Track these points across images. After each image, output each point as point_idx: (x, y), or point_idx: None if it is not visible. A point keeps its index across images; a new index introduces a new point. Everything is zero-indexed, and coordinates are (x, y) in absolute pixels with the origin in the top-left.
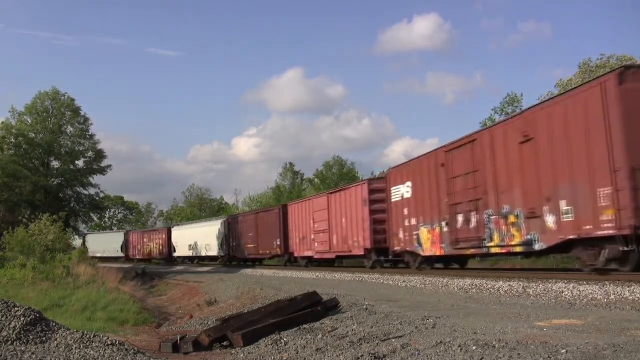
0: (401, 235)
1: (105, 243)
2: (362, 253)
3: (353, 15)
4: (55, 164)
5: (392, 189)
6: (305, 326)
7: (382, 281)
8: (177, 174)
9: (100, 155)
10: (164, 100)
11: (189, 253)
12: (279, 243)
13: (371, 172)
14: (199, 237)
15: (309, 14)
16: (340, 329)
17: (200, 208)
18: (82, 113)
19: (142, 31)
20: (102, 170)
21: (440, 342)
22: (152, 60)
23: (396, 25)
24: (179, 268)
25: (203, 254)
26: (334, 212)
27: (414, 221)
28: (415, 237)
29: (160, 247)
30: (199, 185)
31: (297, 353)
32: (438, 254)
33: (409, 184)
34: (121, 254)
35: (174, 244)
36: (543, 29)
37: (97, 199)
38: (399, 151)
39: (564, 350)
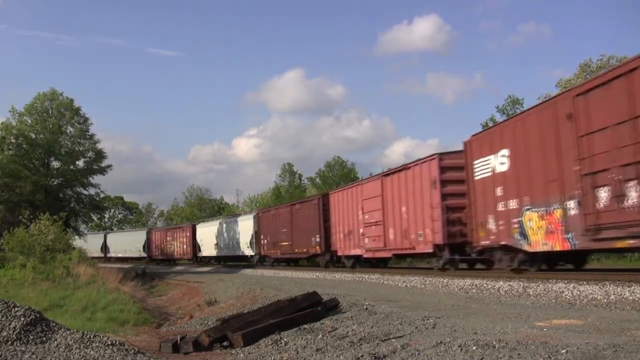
0: (491, 224)
1: (126, 242)
2: (430, 250)
3: (353, 16)
4: (55, 164)
5: (476, 162)
6: (305, 326)
7: (382, 281)
8: (178, 174)
9: (100, 155)
10: (164, 100)
11: (215, 252)
12: (318, 240)
13: (369, 173)
14: (227, 234)
15: (309, 15)
16: (340, 329)
17: (200, 208)
18: (82, 113)
19: (142, 31)
20: (102, 171)
21: (440, 342)
22: (153, 60)
23: (396, 26)
24: (178, 268)
25: (231, 254)
26: (390, 198)
27: (513, 204)
28: (515, 225)
29: (184, 246)
30: (199, 186)
31: (297, 353)
32: (558, 248)
33: (505, 152)
34: (144, 254)
35: (199, 243)
36: (542, 30)
37: (97, 199)
38: (399, 151)
39: (564, 350)
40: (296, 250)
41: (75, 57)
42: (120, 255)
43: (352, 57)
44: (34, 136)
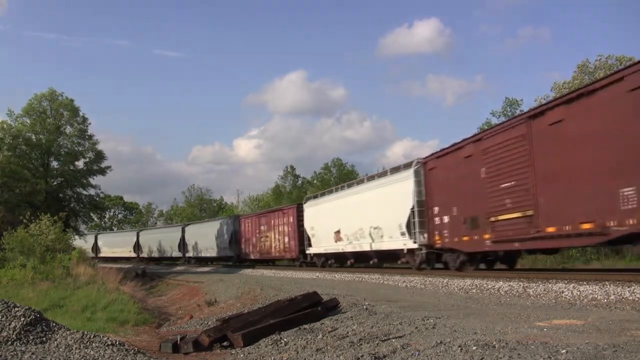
0: None
1: (203, 235)
2: None
3: (355, 20)
4: (55, 164)
5: None
6: (305, 326)
7: (382, 281)
8: (179, 174)
9: (100, 155)
10: (166, 101)
11: (337, 247)
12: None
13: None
14: (360, 215)
15: (311, 18)
16: (340, 329)
17: (201, 208)
18: (81, 113)
19: (145, 32)
20: (102, 171)
21: (440, 342)
22: (155, 61)
23: (397, 30)
24: (179, 268)
25: (373, 248)
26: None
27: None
28: None
29: (286, 240)
30: (199, 186)
31: (297, 353)
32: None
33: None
34: (229, 253)
35: (308, 233)
36: (542, 33)
37: (97, 199)
38: (399, 152)
39: (564, 351)
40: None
41: (78, 58)
42: (154, 255)
43: (353, 60)
44: (32, 137)
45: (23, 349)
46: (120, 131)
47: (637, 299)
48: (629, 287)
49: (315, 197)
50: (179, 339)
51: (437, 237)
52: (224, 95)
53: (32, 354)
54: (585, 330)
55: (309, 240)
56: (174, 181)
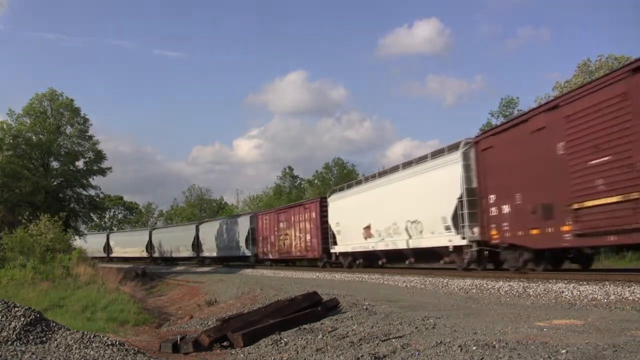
0: None
1: (218, 234)
2: None
3: (355, 20)
4: (55, 164)
5: None
6: (305, 326)
7: (382, 281)
8: (179, 174)
9: (100, 156)
10: (166, 101)
11: (367, 245)
12: None
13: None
14: (395, 208)
15: (311, 18)
16: (340, 329)
17: (201, 208)
18: (82, 114)
19: (145, 32)
20: (102, 172)
21: (440, 342)
22: (155, 61)
23: (397, 30)
24: (179, 268)
25: (410, 246)
26: None
27: None
28: None
29: (308, 238)
30: (199, 186)
31: (297, 353)
32: None
33: None
34: (246, 253)
35: (333, 229)
36: (542, 33)
37: (97, 199)
38: (399, 152)
39: (564, 351)
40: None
41: (78, 58)
42: (167, 254)
43: (353, 60)
44: (32, 137)
45: (23, 349)
46: (120, 131)
47: (637, 299)
48: (629, 287)
49: (341, 189)
50: (179, 339)
51: (493, 232)
52: (224, 95)
53: (32, 354)
54: (585, 330)
55: (334, 237)
56: (174, 181)
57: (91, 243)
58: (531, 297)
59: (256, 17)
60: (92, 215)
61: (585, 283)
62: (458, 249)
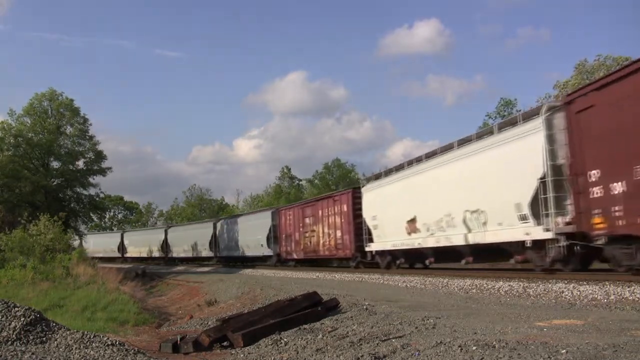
0: None
1: (237, 232)
2: None
3: (355, 20)
4: (55, 164)
5: None
6: (305, 326)
7: (382, 281)
8: (179, 174)
9: (100, 156)
10: (166, 101)
11: (411, 241)
12: None
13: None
14: (448, 196)
15: (311, 18)
16: (340, 329)
17: (201, 208)
18: (82, 114)
19: (145, 32)
20: (102, 172)
21: (440, 342)
22: (155, 61)
23: (397, 30)
24: (179, 268)
25: (470, 241)
26: None
27: None
28: None
29: (338, 234)
30: (199, 186)
31: (297, 353)
32: None
33: None
34: (268, 252)
35: (368, 224)
36: (541, 34)
37: (97, 199)
38: (399, 152)
39: (564, 351)
40: None
41: (78, 58)
42: (184, 254)
43: (353, 60)
44: (33, 137)
45: (23, 349)
46: (120, 131)
47: (637, 299)
48: (629, 287)
49: (377, 177)
50: (179, 339)
51: (597, 220)
52: (224, 95)
53: (32, 354)
54: (585, 330)
55: (369, 233)
56: (174, 181)
57: (103, 243)
58: (531, 297)
59: (256, 17)
60: (92, 215)
61: (585, 283)
62: (538, 244)
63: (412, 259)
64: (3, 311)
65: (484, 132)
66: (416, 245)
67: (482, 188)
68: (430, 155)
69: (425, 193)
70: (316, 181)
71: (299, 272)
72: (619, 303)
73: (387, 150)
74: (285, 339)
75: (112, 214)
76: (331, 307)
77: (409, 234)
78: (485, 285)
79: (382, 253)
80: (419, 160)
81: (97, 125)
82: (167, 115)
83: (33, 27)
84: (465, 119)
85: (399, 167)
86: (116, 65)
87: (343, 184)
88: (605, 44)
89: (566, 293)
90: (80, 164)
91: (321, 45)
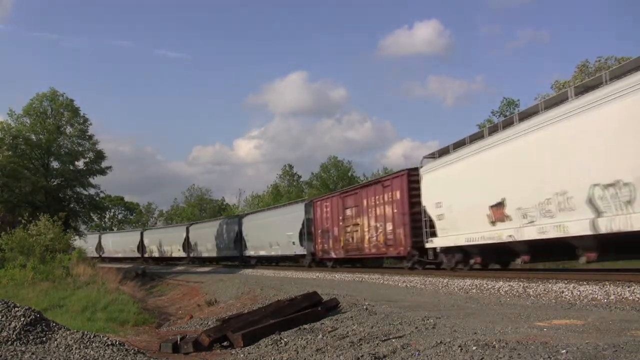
0: None
1: (264, 228)
2: None
3: (355, 21)
4: (55, 164)
5: None
6: (305, 326)
7: (382, 281)
8: (179, 174)
9: (100, 156)
10: (167, 101)
11: (496, 233)
12: None
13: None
14: (559, 168)
15: (311, 19)
16: (340, 329)
17: (201, 208)
18: (82, 113)
19: (147, 33)
20: (102, 171)
21: (440, 342)
22: (156, 62)
23: (397, 31)
24: (179, 268)
25: (600, 230)
26: None
27: None
28: None
29: (389, 228)
30: (199, 186)
31: (297, 353)
32: None
33: None
34: (300, 250)
35: (430, 214)
36: (541, 35)
37: (97, 199)
38: (399, 153)
39: (564, 351)
40: None
41: (79, 58)
42: (206, 254)
43: (353, 61)
44: (32, 137)
45: (23, 349)
46: (120, 131)
47: (637, 299)
48: (629, 287)
49: (442, 152)
50: (179, 339)
51: None
52: (224, 95)
53: (32, 354)
54: (585, 330)
55: (432, 226)
56: (174, 181)
57: (122, 243)
58: (531, 297)
59: (256, 17)
60: (92, 215)
61: (585, 283)
62: None
63: (493, 258)
64: (3, 311)
65: (620, 69)
66: (504, 239)
67: (620, 152)
68: (525, 116)
69: (520, 166)
70: (314, 181)
71: (298, 272)
72: (619, 303)
73: (387, 151)
74: (285, 339)
75: (112, 213)
76: (331, 307)
77: (493, 223)
78: (485, 285)
79: (449, 250)
80: (506, 124)
81: (97, 126)
82: (167, 115)
83: (34, 28)
84: (465, 119)
85: (475, 137)
86: (117, 66)
87: (343, 183)
88: (605, 44)
89: (566, 293)
90: (80, 164)
91: (321, 45)
